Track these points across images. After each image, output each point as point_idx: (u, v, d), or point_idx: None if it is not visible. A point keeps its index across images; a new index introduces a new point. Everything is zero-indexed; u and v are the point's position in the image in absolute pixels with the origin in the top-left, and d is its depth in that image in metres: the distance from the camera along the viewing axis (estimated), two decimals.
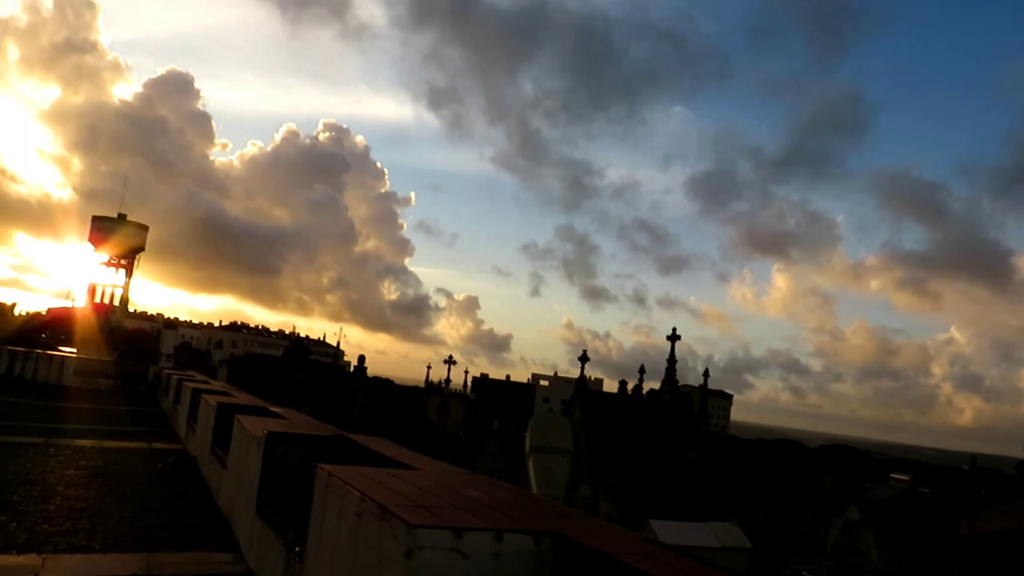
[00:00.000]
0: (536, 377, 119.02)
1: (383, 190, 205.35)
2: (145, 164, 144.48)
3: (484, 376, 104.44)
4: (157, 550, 7.19)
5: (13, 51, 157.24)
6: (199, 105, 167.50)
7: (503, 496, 4.24)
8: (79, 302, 65.59)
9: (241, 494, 7.90)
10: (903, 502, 29.87)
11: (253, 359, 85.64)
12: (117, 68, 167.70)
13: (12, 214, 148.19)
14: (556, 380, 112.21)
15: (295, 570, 5.14)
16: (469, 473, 5.30)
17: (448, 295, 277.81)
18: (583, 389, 38.83)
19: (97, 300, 66.22)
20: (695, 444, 37.05)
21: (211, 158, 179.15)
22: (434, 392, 68.32)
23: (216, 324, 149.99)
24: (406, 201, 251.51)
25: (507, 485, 4.77)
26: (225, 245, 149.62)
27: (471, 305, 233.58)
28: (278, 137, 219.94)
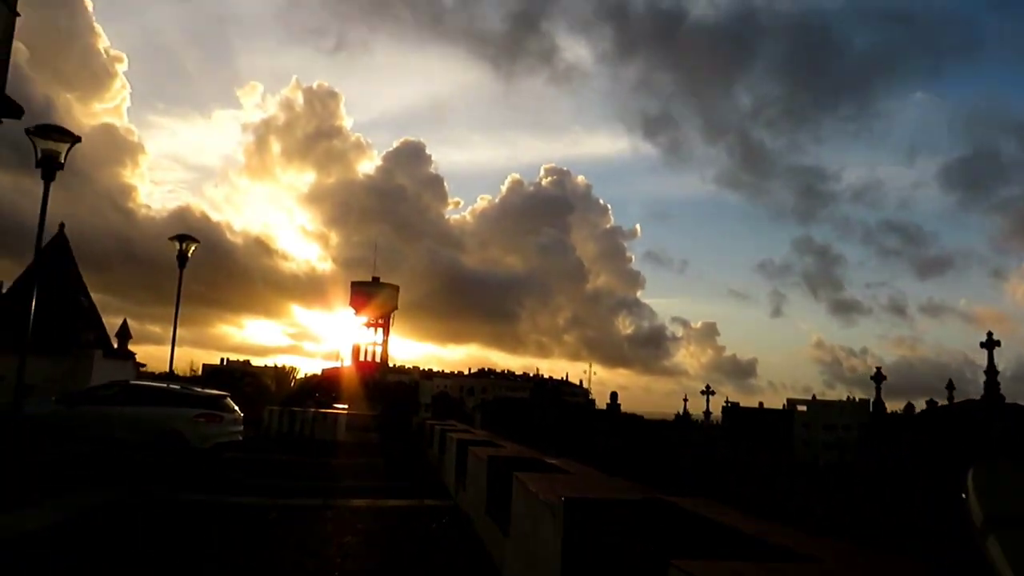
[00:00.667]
0: (792, 402, 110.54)
1: (608, 226, 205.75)
2: (390, 230, 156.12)
3: (734, 404, 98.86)
4: None
5: (276, 146, 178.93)
6: (432, 169, 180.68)
7: None
8: (346, 362, 71.21)
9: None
10: None
11: (503, 403, 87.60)
12: (360, 147, 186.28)
13: (286, 288, 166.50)
14: (815, 404, 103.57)
15: None
16: None
17: (684, 323, 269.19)
18: (881, 415, 33.69)
19: (361, 359, 71.45)
20: None
21: (446, 216, 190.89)
22: (686, 425, 65.04)
23: (465, 372, 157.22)
24: (632, 234, 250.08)
25: None
26: (466, 296, 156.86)
27: (709, 332, 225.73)
28: (504, 188, 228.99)
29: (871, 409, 34.51)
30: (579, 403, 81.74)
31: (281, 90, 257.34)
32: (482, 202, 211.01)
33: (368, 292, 71.28)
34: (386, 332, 73.28)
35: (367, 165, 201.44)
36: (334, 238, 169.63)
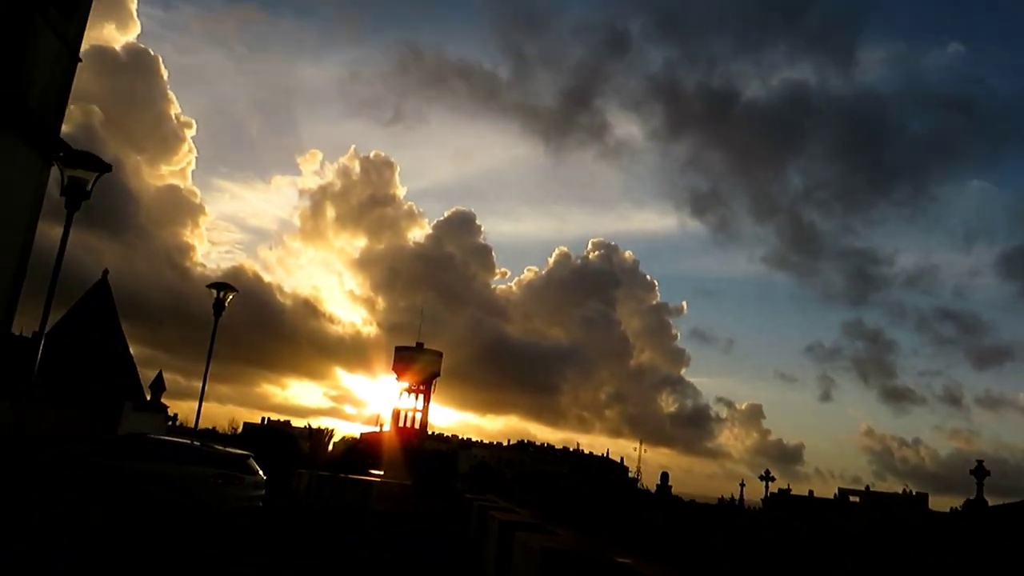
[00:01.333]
0: (843, 492, 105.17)
1: (654, 302, 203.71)
2: (436, 297, 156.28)
3: (784, 491, 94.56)
4: None
5: (330, 212, 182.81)
6: (480, 239, 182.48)
7: None
8: (386, 427, 69.87)
9: None
10: None
11: (545, 479, 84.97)
12: (411, 215, 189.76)
13: (331, 351, 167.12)
14: (868, 495, 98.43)
15: None
16: None
17: (729, 404, 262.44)
18: (983, 510, 30.46)
19: (401, 424, 70.11)
20: None
21: (492, 286, 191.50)
22: (734, 511, 61.78)
23: (504, 443, 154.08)
24: (678, 311, 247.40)
25: None
26: (508, 367, 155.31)
27: (755, 414, 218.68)
28: (551, 260, 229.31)
29: (974, 507, 31.35)
30: (623, 482, 78.58)
31: (339, 158, 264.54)
32: (529, 273, 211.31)
33: (411, 357, 70.70)
34: (427, 399, 72.14)
35: (417, 233, 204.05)
36: (381, 303, 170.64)
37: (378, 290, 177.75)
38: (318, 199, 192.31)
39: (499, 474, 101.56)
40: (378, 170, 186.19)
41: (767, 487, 53.08)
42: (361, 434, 73.95)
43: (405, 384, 70.55)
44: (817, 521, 62.67)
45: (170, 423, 31.35)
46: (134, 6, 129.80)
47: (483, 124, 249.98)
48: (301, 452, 60.76)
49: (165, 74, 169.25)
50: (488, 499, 24.30)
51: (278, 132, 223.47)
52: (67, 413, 21.15)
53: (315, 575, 12.89)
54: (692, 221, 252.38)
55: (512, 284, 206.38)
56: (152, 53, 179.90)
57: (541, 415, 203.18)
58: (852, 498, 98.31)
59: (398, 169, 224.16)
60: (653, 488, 77.42)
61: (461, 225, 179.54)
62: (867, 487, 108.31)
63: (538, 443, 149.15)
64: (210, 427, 61.28)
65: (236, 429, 74.74)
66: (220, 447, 19.26)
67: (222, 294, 20.92)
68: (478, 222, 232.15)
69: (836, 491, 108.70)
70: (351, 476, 31.56)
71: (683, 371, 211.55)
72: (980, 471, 30.43)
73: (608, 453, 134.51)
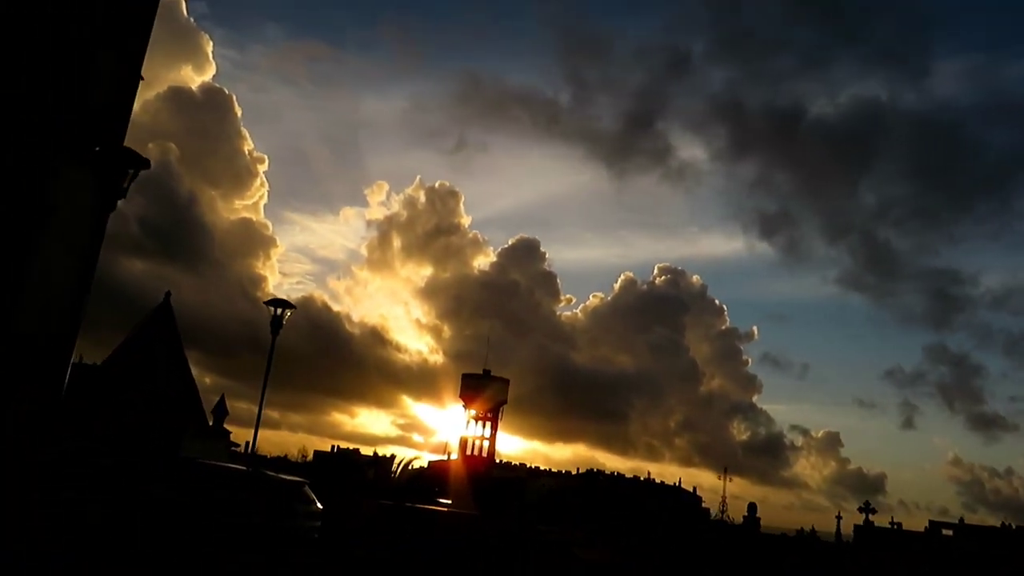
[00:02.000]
0: (935, 525, 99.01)
1: (723, 327, 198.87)
2: (502, 325, 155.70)
3: (868, 524, 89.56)
4: None
5: (397, 241, 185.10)
6: (545, 266, 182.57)
7: None
8: (453, 455, 69.05)
9: None
10: None
11: (616, 507, 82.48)
12: (476, 243, 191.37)
13: (399, 379, 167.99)
14: (962, 528, 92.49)
15: None
16: None
17: (804, 432, 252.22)
18: None
19: (468, 453, 69.24)
20: None
21: (558, 313, 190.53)
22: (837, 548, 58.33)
23: (572, 472, 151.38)
24: (748, 336, 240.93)
25: None
26: (575, 394, 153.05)
27: (832, 442, 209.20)
28: (616, 286, 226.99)
29: None
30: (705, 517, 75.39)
31: (405, 189, 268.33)
32: (594, 300, 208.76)
33: (478, 384, 70.45)
34: (494, 427, 71.42)
35: (482, 261, 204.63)
36: (447, 331, 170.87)
37: (444, 318, 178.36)
38: (385, 229, 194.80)
39: (568, 505, 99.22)
40: (443, 199, 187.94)
41: (867, 518, 49.87)
42: (429, 462, 73.27)
43: (472, 412, 69.92)
44: (905, 554, 58.60)
45: (234, 448, 30.89)
46: (210, 48, 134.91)
47: (545, 150, 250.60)
48: (367, 480, 60.24)
49: (239, 112, 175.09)
50: (561, 532, 22.87)
51: (346, 165, 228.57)
52: (126, 437, 20.69)
53: None
54: (760, 243, 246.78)
55: (578, 311, 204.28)
56: (227, 92, 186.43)
57: (609, 443, 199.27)
58: (945, 531, 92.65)
59: (463, 198, 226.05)
60: (739, 520, 74.12)
61: (525, 252, 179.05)
62: (961, 519, 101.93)
63: (607, 472, 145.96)
64: (282, 455, 61.66)
65: (306, 457, 75.05)
66: (272, 474, 18.26)
67: (279, 311, 20.33)
68: (542, 249, 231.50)
69: (927, 523, 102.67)
70: (414, 505, 30.46)
71: (755, 398, 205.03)
72: None
73: (680, 482, 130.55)
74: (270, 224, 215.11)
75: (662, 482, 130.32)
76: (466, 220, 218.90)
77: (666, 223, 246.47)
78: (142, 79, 23.19)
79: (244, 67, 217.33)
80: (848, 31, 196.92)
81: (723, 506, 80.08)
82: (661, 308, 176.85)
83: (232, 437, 31.61)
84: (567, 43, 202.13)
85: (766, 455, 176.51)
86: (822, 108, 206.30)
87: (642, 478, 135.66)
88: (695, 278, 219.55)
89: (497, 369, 73.51)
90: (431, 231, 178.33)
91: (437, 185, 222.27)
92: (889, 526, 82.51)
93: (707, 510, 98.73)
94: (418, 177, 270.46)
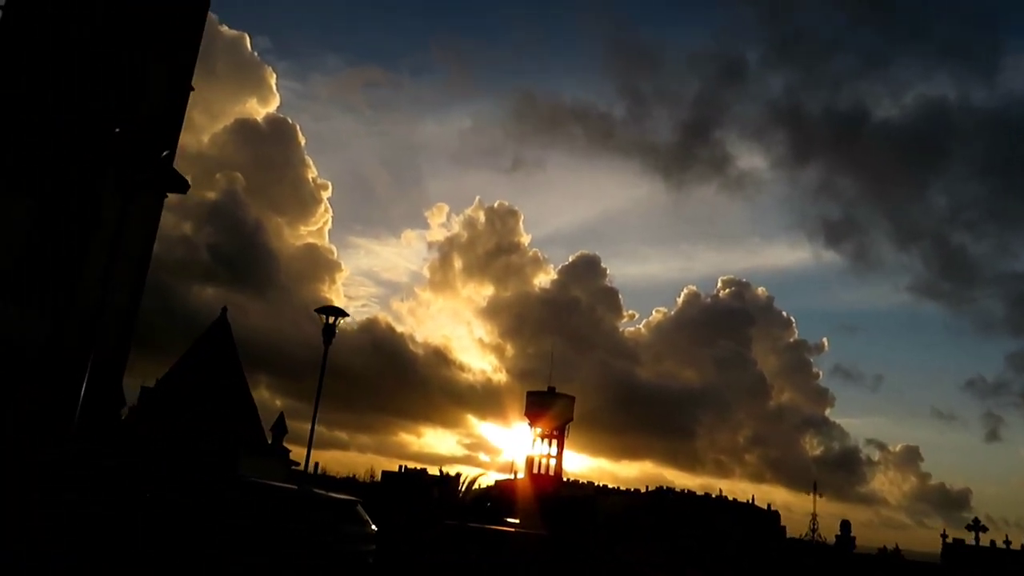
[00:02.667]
0: None
1: (791, 339, 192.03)
2: (564, 342, 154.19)
3: (958, 542, 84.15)
4: None
5: (458, 262, 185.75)
6: (606, 282, 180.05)
7: None
8: (519, 474, 67.74)
9: None
10: None
11: (684, 526, 79.64)
12: (537, 261, 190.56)
13: (463, 399, 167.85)
14: None
15: None
16: None
17: (881, 446, 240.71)
18: None
19: (535, 471, 67.86)
20: None
21: (621, 329, 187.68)
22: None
23: (641, 490, 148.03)
24: (818, 348, 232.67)
25: None
26: (640, 410, 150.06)
27: (911, 456, 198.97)
28: (679, 300, 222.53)
29: None
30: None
31: (465, 210, 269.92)
32: (657, 315, 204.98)
33: (543, 402, 69.12)
34: (560, 444, 69.93)
35: (543, 279, 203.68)
36: (510, 350, 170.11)
37: (506, 337, 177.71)
38: (446, 250, 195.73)
39: (640, 524, 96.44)
40: (502, 219, 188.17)
41: (977, 537, 46.41)
42: (496, 481, 72.09)
43: (538, 430, 68.61)
44: (1003, 574, 54.53)
45: (294, 467, 30.27)
46: (273, 80, 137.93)
47: (601, 165, 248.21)
48: (432, 499, 59.37)
49: (302, 141, 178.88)
50: (636, 552, 21.36)
51: (406, 188, 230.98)
52: (181, 455, 20.13)
53: None
54: (827, 252, 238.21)
55: (641, 326, 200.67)
56: (290, 122, 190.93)
57: (677, 460, 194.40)
58: None
59: (522, 217, 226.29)
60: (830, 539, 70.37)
61: (586, 269, 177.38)
62: None
63: (677, 489, 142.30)
64: (350, 475, 61.70)
65: (374, 477, 74.82)
66: (323, 492, 17.12)
67: (331, 319, 19.59)
68: (603, 265, 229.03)
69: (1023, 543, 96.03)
70: (479, 526, 29.20)
71: (827, 411, 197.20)
72: None
73: (753, 500, 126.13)
74: (335, 249, 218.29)
75: (734, 499, 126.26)
76: (526, 239, 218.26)
77: (727, 234, 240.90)
78: (192, 89, 22.96)
79: (306, 97, 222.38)
80: (910, 28, 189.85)
81: (814, 524, 75.98)
82: (726, 321, 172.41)
83: (293, 455, 31.23)
84: (618, 56, 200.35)
85: (841, 470, 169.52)
86: (886, 110, 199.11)
87: (713, 495, 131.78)
88: (760, 290, 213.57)
89: (561, 387, 71.92)
90: (491, 251, 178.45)
91: (496, 205, 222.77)
92: (973, 543, 77.47)
93: (783, 528, 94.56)
94: (477, 197, 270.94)
